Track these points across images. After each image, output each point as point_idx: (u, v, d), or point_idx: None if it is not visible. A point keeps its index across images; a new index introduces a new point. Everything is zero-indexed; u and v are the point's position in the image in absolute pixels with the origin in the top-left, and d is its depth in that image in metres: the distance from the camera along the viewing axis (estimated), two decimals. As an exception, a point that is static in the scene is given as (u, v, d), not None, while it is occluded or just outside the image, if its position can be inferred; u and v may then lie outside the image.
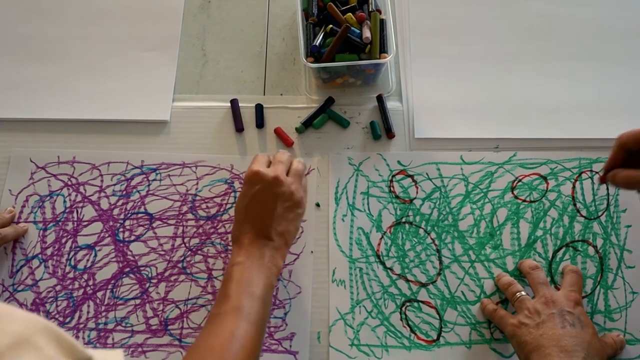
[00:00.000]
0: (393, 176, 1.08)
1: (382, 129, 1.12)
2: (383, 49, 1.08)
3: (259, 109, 1.13)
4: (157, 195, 1.07)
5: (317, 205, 1.06)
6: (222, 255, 1.04)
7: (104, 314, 1.00)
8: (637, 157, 0.90)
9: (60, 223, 1.05)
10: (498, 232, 1.05)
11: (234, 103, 1.13)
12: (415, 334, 0.99)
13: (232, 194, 1.07)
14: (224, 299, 0.85)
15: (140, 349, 0.98)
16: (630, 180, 0.90)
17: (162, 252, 1.04)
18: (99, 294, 1.01)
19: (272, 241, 0.91)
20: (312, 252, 1.04)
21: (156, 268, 1.03)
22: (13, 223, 1.05)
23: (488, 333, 0.98)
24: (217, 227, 1.05)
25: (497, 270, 1.02)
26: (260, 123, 1.12)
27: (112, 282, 1.02)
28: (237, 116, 1.12)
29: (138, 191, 1.07)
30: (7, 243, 1.03)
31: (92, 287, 1.02)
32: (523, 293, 0.95)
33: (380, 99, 1.13)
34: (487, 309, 0.99)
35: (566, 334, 0.88)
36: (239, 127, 1.11)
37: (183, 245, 1.04)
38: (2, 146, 1.11)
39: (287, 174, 0.96)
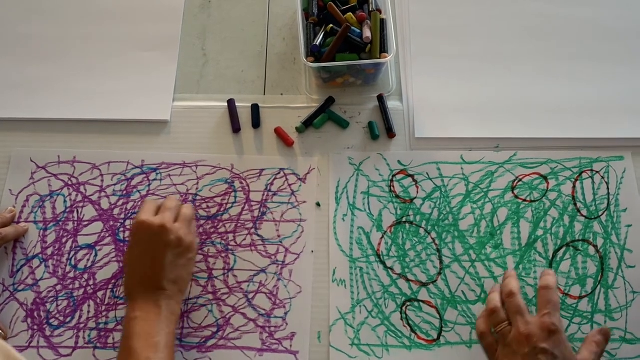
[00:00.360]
0: (393, 176, 1.08)
1: (382, 128, 1.12)
2: (383, 49, 1.08)
3: (255, 109, 1.14)
4: (157, 195, 1.07)
5: (318, 205, 1.06)
6: (223, 255, 1.04)
7: (104, 313, 1.00)
8: None
9: (60, 223, 1.05)
10: (498, 232, 1.05)
11: (231, 103, 1.13)
12: (416, 334, 0.99)
13: (233, 194, 1.07)
14: (129, 354, 0.85)
15: None
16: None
17: None
18: (100, 294, 1.01)
19: (166, 290, 0.91)
20: (312, 251, 1.04)
21: None
22: (14, 223, 1.04)
23: (488, 333, 0.98)
24: (218, 227, 1.05)
25: (498, 270, 1.02)
26: (256, 123, 1.13)
27: (113, 281, 1.02)
28: (234, 116, 1.13)
29: (138, 191, 1.08)
30: (8, 243, 1.03)
31: (92, 286, 1.02)
32: (504, 325, 0.91)
33: (381, 98, 1.13)
34: (477, 329, 0.96)
35: None
36: (236, 128, 1.12)
37: None
38: (2, 146, 1.11)
39: (176, 220, 0.95)
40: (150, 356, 0.84)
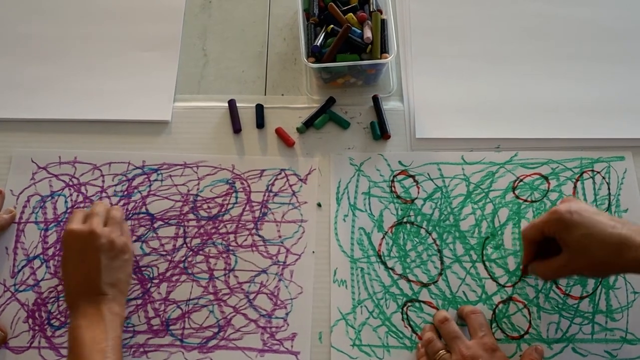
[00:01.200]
0: (394, 176, 1.08)
1: (379, 129, 1.12)
2: (384, 49, 1.08)
3: (259, 109, 1.14)
4: (158, 196, 1.07)
5: (319, 205, 1.07)
6: (224, 255, 1.04)
7: None
8: (547, 243, 0.94)
9: (61, 223, 1.05)
10: (499, 232, 1.05)
11: (231, 103, 1.13)
12: (417, 334, 0.99)
13: (234, 194, 1.08)
14: None
15: (141, 349, 0.98)
16: (547, 273, 0.96)
17: (164, 253, 1.04)
18: None
19: (106, 295, 0.92)
20: (313, 252, 1.04)
21: (157, 268, 1.03)
22: (14, 223, 1.05)
23: (489, 333, 0.99)
24: (219, 227, 1.05)
25: (498, 270, 1.02)
26: (260, 123, 1.13)
27: None
28: (235, 117, 1.13)
29: (139, 191, 1.08)
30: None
31: None
32: (442, 352, 0.93)
33: (376, 99, 1.13)
34: (418, 355, 0.98)
35: None
36: (237, 128, 1.12)
37: (184, 245, 1.05)
38: (3, 146, 1.11)
39: (106, 224, 0.96)
40: None
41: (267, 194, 1.08)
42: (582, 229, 0.88)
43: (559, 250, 0.91)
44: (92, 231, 0.93)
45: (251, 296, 1.02)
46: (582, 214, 0.88)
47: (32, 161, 1.09)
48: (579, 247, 0.88)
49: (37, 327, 0.99)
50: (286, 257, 1.04)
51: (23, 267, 1.03)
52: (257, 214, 1.07)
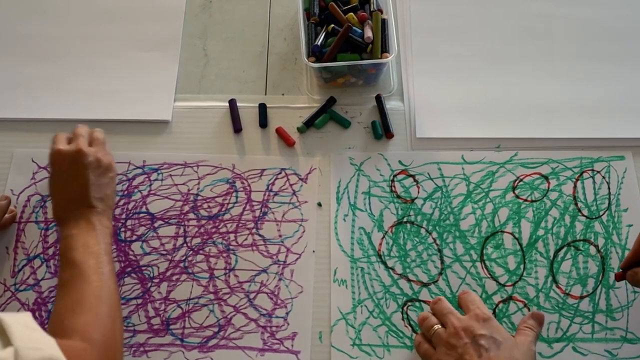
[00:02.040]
0: (394, 176, 1.09)
1: (382, 129, 1.12)
2: (384, 49, 1.08)
3: (262, 108, 1.14)
4: (158, 195, 1.08)
5: (319, 205, 1.07)
6: (224, 254, 1.04)
7: None
8: None
9: None
10: (499, 232, 1.05)
11: (232, 103, 1.14)
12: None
13: (234, 194, 1.08)
14: (72, 265, 0.87)
15: (142, 349, 0.98)
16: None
17: (164, 252, 1.04)
18: None
19: (95, 208, 0.93)
20: (313, 251, 1.04)
21: (158, 268, 1.03)
22: (14, 223, 1.05)
23: (489, 332, 0.99)
24: (219, 227, 1.06)
25: (498, 269, 1.02)
26: (263, 123, 1.13)
27: None
28: (236, 116, 1.13)
29: (140, 191, 1.08)
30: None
31: None
32: (437, 327, 0.92)
33: (379, 99, 1.13)
34: (415, 341, 0.96)
35: None
36: (237, 128, 1.12)
37: (185, 245, 1.05)
38: (3, 146, 1.11)
39: (90, 144, 0.98)
40: (93, 262, 0.87)
41: (267, 193, 1.08)
42: None
43: None
44: (79, 150, 0.95)
45: (251, 295, 1.02)
46: None
47: (33, 161, 1.10)
48: None
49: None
50: (286, 256, 1.04)
51: (23, 266, 1.03)
52: (257, 213, 1.07)
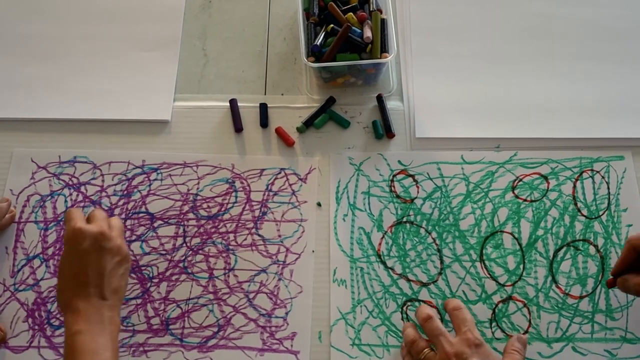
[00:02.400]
0: (394, 176, 1.09)
1: (382, 128, 1.12)
2: (384, 49, 1.08)
3: (263, 108, 1.14)
4: (158, 195, 1.08)
5: (319, 204, 1.07)
6: (224, 254, 1.04)
7: None
8: None
9: (61, 223, 1.06)
10: (499, 232, 1.05)
11: (232, 103, 1.14)
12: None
13: (234, 194, 1.08)
14: None
15: (141, 349, 0.99)
16: (633, 288, 0.92)
17: (164, 252, 1.04)
18: None
19: (107, 300, 0.87)
20: (313, 251, 1.04)
21: (157, 268, 1.03)
22: (14, 223, 1.05)
23: (489, 332, 0.99)
24: (219, 227, 1.06)
25: (498, 269, 1.03)
26: (264, 122, 1.13)
27: None
28: (236, 116, 1.13)
29: (139, 191, 1.08)
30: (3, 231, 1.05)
31: None
32: (427, 351, 0.92)
33: (380, 98, 1.14)
34: (405, 338, 0.97)
35: None
36: (238, 127, 1.12)
37: (184, 244, 1.05)
38: (3, 146, 1.11)
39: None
40: None
41: (266, 193, 1.09)
42: None
43: None
44: (103, 232, 0.88)
45: (251, 295, 1.02)
46: None
47: (32, 161, 1.10)
48: None
49: (36, 327, 1.00)
50: (286, 256, 1.04)
51: (23, 266, 1.03)
52: (256, 213, 1.07)
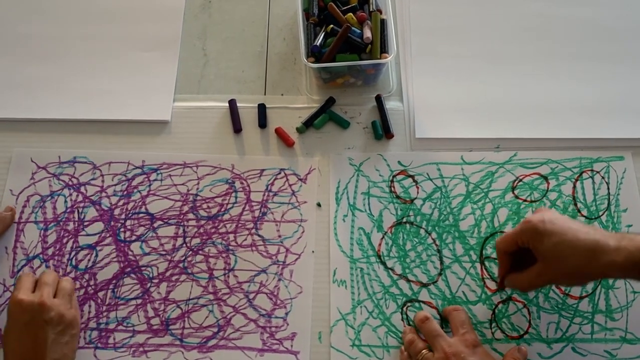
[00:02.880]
0: (394, 176, 1.09)
1: (382, 128, 1.12)
2: (384, 49, 1.09)
3: (262, 108, 1.15)
4: (158, 195, 1.09)
5: (319, 205, 1.07)
6: (223, 255, 1.05)
7: (105, 313, 1.01)
8: (522, 255, 0.94)
9: (61, 223, 1.06)
10: (499, 232, 1.05)
11: (232, 103, 1.14)
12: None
13: (234, 194, 1.09)
14: None
15: (141, 349, 0.99)
16: (524, 284, 0.94)
17: (163, 252, 1.05)
18: (100, 294, 1.02)
19: None
20: (313, 251, 1.05)
21: (157, 268, 1.04)
22: (13, 223, 1.06)
23: (489, 333, 0.99)
24: (218, 227, 1.06)
25: (498, 270, 1.02)
26: (263, 123, 1.14)
27: (114, 282, 1.03)
28: (235, 116, 1.14)
29: (139, 191, 1.09)
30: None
31: (93, 287, 1.03)
32: (425, 352, 0.94)
33: (379, 99, 1.14)
34: (404, 339, 0.99)
35: None
36: (237, 128, 1.13)
37: (184, 245, 1.05)
38: (3, 146, 1.12)
39: (55, 295, 0.94)
40: None
41: (266, 193, 1.09)
42: (555, 237, 0.88)
43: (534, 261, 0.91)
44: (42, 303, 0.89)
45: (251, 296, 1.02)
46: (554, 222, 0.89)
47: (32, 161, 1.10)
48: (552, 255, 0.88)
49: None
50: (286, 256, 1.05)
51: (23, 266, 1.03)
52: (256, 213, 1.08)
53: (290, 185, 1.10)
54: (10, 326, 0.90)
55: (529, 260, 0.92)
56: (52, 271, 0.97)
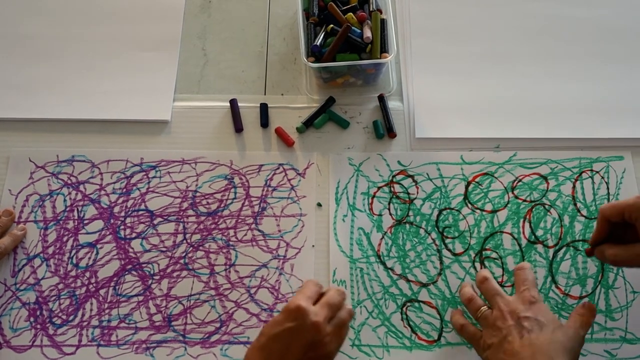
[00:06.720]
0: (393, 176, 1.17)
1: (384, 128, 1.20)
2: (384, 49, 1.16)
3: (264, 108, 1.21)
4: (157, 192, 1.16)
5: (319, 205, 1.15)
6: (224, 250, 1.12)
7: (107, 311, 1.08)
8: (622, 228, 0.98)
9: (61, 222, 1.14)
10: (499, 232, 1.13)
11: (233, 103, 1.22)
12: (416, 334, 1.07)
13: (233, 190, 1.16)
14: None
15: (144, 346, 1.06)
16: (619, 259, 0.99)
17: (164, 249, 1.12)
18: (102, 292, 1.09)
19: None
20: (313, 246, 1.12)
21: (158, 265, 1.11)
22: (14, 223, 1.13)
23: (489, 333, 1.02)
24: (218, 223, 1.14)
25: (497, 270, 1.10)
26: (265, 122, 1.20)
27: (115, 279, 1.10)
28: (237, 116, 1.20)
29: (138, 188, 1.16)
30: (10, 253, 1.11)
31: (94, 284, 1.09)
32: (484, 309, 0.99)
33: (381, 98, 1.21)
34: (455, 324, 1.04)
35: (524, 345, 0.92)
36: (238, 127, 1.20)
37: (184, 241, 1.12)
38: (1, 146, 1.19)
39: (330, 320, 0.94)
40: None
41: (265, 188, 1.16)
42: None
43: (634, 239, 0.96)
44: (317, 324, 0.90)
45: (252, 291, 1.09)
46: None
47: (30, 160, 1.17)
48: None
49: (39, 326, 1.07)
50: (286, 251, 1.11)
51: (23, 266, 1.11)
52: (256, 208, 1.14)
53: (289, 180, 1.16)
54: (278, 321, 0.92)
55: (628, 236, 0.97)
56: (341, 291, 0.97)
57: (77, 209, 1.16)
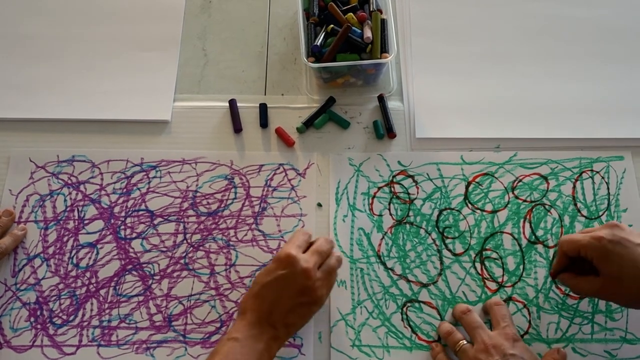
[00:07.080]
0: (394, 176, 1.18)
1: (384, 128, 1.21)
2: (384, 49, 1.17)
3: (263, 108, 1.22)
4: (157, 193, 1.17)
5: (319, 205, 1.16)
6: (224, 250, 1.12)
7: (107, 311, 1.09)
8: (581, 259, 1.00)
9: (61, 222, 1.15)
10: (499, 232, 1.14)
11: (232, 103, 1.23)
12: (417, 335, 1.07)
13: (233, 190, 1.16)
14: None
15: (144, 346, 1.07)
16: (575, 290, 1.04)
17: (164, 249, 1.13)
18: (102, 292, 1.10)
19: (276, 330, 0.96)
20: None
21: (158, 265, 1.11)
22: (14, 223, 1.14)
23: (489, 333, 1.04)
24: (219, 223, 1.14)
25: (498, 270, 1.11)
26: (264, 122, 1.21)
27: (115, 279, 1.11)
28: (236, 116, 1.22)
29: (138, 189, 1.17)
30: (10, 253, 1.12)
31: (94, 284, 1.10)
32: (464, 342, 1.02)
33: (381, 98, 1.22)
34: (434, 355, 1.06)
35: None
36: (237, 128, 1.21)
37: (185, 241, 1.13)
38: (1, 146, 1.20)
39: (320, 266, 1.00)
40: None
41: (266, 188, 1.16)
42: (621, 261, 0.95)
43: (592, 268, 0.98)
44: (307, 270, 0.97)
45: None
46: (625, 244, 0.95)
47: (31, 160, 1.18)
48: (614, 277, 0.96)
49: (39, 326, 1.08)
50: None
51: (24, 266, 1.12)
52: (256, 209, 1.15)
53: (289, 180, 1.17)
54: (269, 270, 0.99)
55: (587, 266, 0.99)
56: (329, 240, 1.04)
57: (78, 209, 1.16)
